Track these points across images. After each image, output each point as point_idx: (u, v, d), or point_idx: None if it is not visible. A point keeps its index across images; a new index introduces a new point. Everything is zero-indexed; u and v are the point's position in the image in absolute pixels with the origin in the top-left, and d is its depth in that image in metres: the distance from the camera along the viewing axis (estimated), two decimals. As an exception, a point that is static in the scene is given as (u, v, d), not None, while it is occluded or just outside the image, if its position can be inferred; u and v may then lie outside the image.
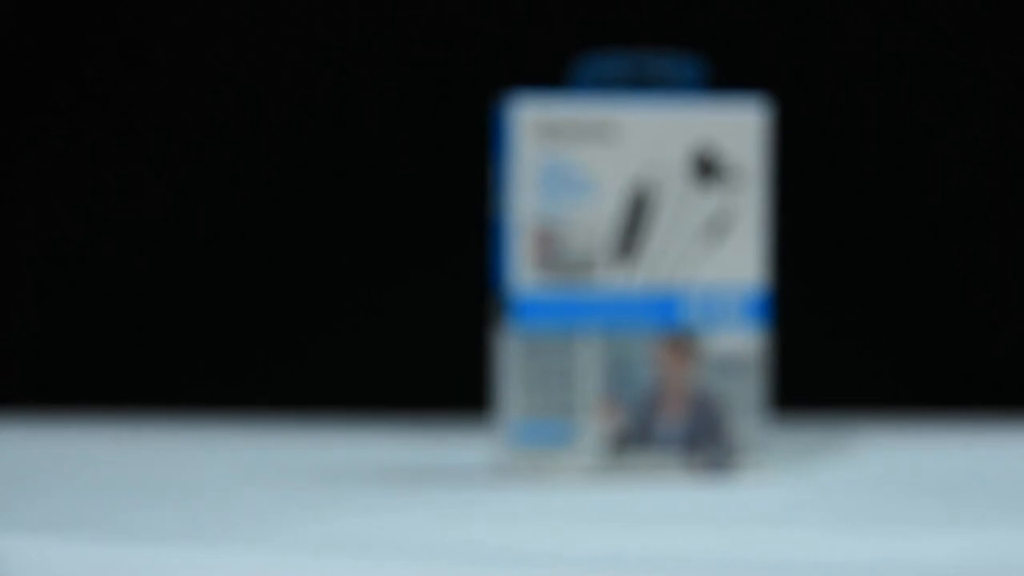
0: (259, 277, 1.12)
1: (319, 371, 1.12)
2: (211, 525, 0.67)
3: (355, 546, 0.62)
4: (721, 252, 0.78)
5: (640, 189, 0.77)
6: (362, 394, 1.10)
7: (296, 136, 1.13)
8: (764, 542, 0.64)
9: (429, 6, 1.12)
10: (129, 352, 1.12)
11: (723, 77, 0.84)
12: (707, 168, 0.78)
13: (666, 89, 0.79)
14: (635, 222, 0.77)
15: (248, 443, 0.94)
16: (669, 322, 0.77)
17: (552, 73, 0.84)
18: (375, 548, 0.61)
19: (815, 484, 0.78)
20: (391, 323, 1.12)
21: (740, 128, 0.78)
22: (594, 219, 0.77)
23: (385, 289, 1.12)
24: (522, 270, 0.76)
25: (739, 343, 0.78)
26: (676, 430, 0.78)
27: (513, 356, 0.76)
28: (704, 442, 0.77)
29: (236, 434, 0.97)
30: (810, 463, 0.83)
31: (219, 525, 0.67)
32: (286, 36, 1.13)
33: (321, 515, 0.70)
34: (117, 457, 0.90)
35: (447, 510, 0.71)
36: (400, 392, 1.10)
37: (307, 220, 1.13)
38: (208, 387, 1.11)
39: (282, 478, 0.79)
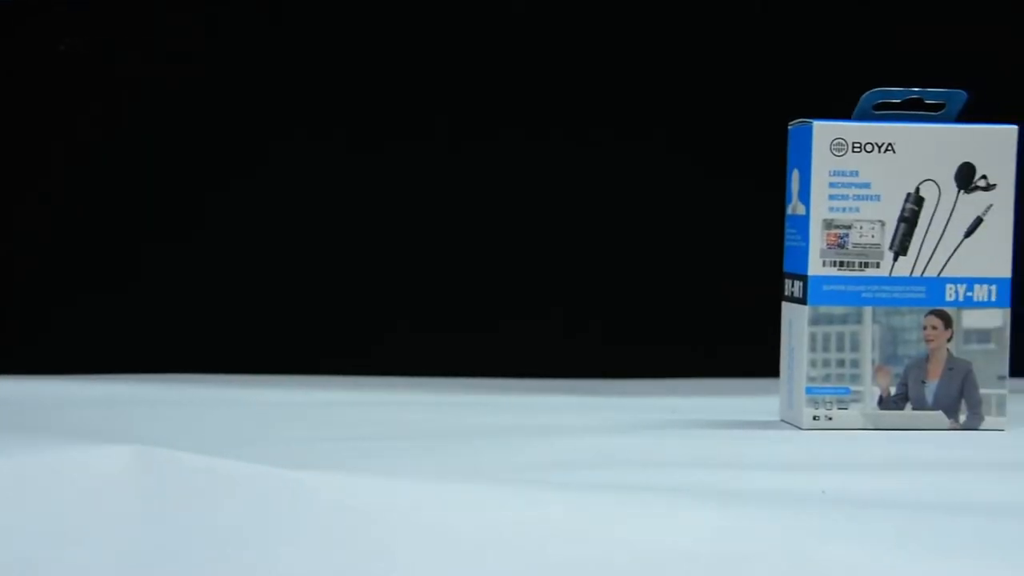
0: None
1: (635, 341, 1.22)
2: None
3: (674, 464, 0.77)
4: (977, 247, 0.91)
5: (915, 196, 0.91)
6: (675, 360, 1.21)
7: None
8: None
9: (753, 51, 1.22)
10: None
11: (981, 106, 0.96)
12: (968, 180, 0.92)
13: (936, 115, 0.93)
14: (911, 223, 0.91)
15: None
16: (935, 302, 0.91)
17: (845, 102, 0.95)
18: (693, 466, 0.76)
19: None
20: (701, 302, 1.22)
21: (996, 147, 0.91)
22: (877, 219, 0.91)
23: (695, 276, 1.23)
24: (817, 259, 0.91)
25: (988, 319, 0.92)
26: (938, 392, 0.92)
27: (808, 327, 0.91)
28: (959, 402, 0.92)
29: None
30: None
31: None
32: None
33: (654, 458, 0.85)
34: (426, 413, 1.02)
35: (741, 444, 0.85)
36: (708, 358, 1.21)
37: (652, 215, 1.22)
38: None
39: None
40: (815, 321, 0.90)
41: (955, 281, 0.91)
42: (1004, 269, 0.92)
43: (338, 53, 1.19)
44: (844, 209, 0.90)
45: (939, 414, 0.91)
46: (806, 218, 0.91)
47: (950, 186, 0.91)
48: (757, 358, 1.09)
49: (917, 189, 0.91)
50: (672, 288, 1.22)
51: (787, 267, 0.94)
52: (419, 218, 1.21)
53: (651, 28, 1.21)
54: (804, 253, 0.91)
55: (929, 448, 0.85)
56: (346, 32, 1.19)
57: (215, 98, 1.19)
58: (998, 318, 0.92)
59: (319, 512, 0.68)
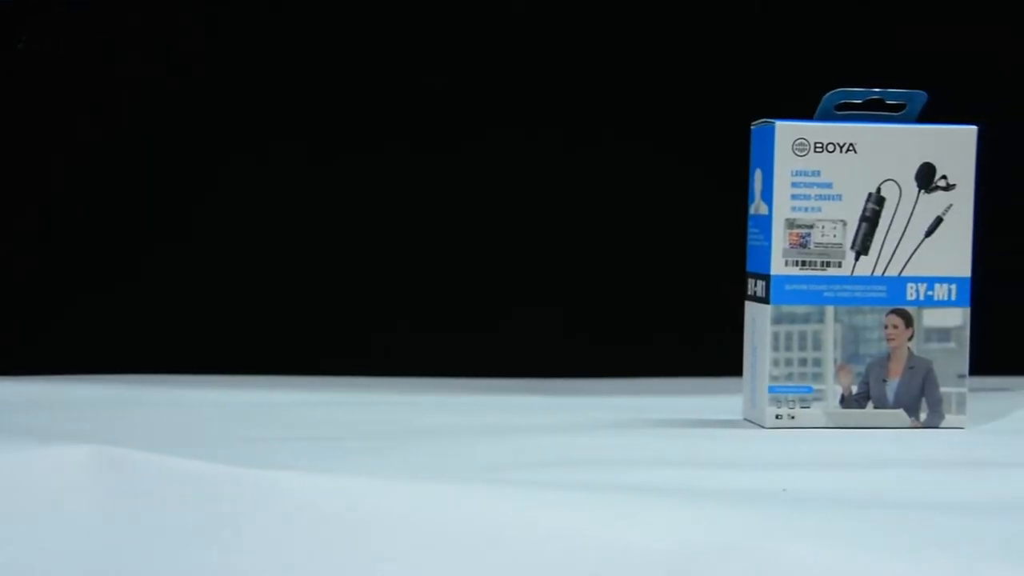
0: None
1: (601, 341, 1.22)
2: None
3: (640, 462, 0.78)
4: (937, 246, 0.92)
5: (876, 195, 0.92)
6: (640, 361, 1.21)
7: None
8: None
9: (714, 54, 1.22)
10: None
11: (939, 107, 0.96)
12: (929, 180, 0.92)
13: (897, 116, 0.93)
14: (873, 222, 0.92)
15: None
16: (896, 301, 0.92)
17: (806, 102, 0.95)
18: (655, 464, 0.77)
19: (1007, 437, 0.90)
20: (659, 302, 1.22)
21: (956, 147, 0.92)
22: (839, 219, 0.91)
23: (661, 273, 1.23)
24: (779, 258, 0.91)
25: (948, 317, 0.92)
26: (898, 390, 0.92)
27: (770, 326, 0.92)
28: (919, 400, 0.93)
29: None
30: (1001, 419, 0.97)
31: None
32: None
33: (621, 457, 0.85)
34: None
35: (705, 442, 0.86)
36: (668, 356, 1.21)
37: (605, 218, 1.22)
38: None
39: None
40: (778, 320, 0.91)
41: (916, 280, 0.92)
42: (964, 269, 0.92)
43: (336, 53, 1.19)
44: (806, 209, 0.91)
45: (900, 412, 0.92)
46: (768, 218, 0.91)
47: (911, 186, 0.91)
48: (721, 356, 1.11)
49: (878, 189, 0.91)
50: (637, 288, 1.23)
51: (750, 267, 0.95)
52: (415, 218, 1.21)
53: (641, 33, 1.22)
54: (767, 253, 0.91)
55: (890, 446, 0.86)
56: (346, 31, 1.19)
57: (214, 98, 1.19)
58: (958, 317, 0.92)
59: (276, 511, 0.68)
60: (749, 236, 0.95)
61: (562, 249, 1.22)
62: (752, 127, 0.94)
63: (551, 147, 1.21)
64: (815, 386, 0.91)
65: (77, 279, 1.18)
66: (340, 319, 1.20)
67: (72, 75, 1.17)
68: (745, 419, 0.95)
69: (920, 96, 0.93)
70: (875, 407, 0.92)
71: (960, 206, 0.92)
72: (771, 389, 0.91)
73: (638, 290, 1.22)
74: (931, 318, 0.92)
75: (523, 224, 1.22)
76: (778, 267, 0.91)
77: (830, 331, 0.91)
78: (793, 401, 0.92)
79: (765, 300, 0.92)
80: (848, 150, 0.91)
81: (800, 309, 0.91)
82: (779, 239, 0.91)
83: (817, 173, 0.91)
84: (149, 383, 1.08)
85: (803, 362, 0.91)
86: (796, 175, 0.91)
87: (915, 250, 0.92)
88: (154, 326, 1.19)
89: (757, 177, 0.93)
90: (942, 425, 0.92)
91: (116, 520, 0.70)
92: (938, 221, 0.92)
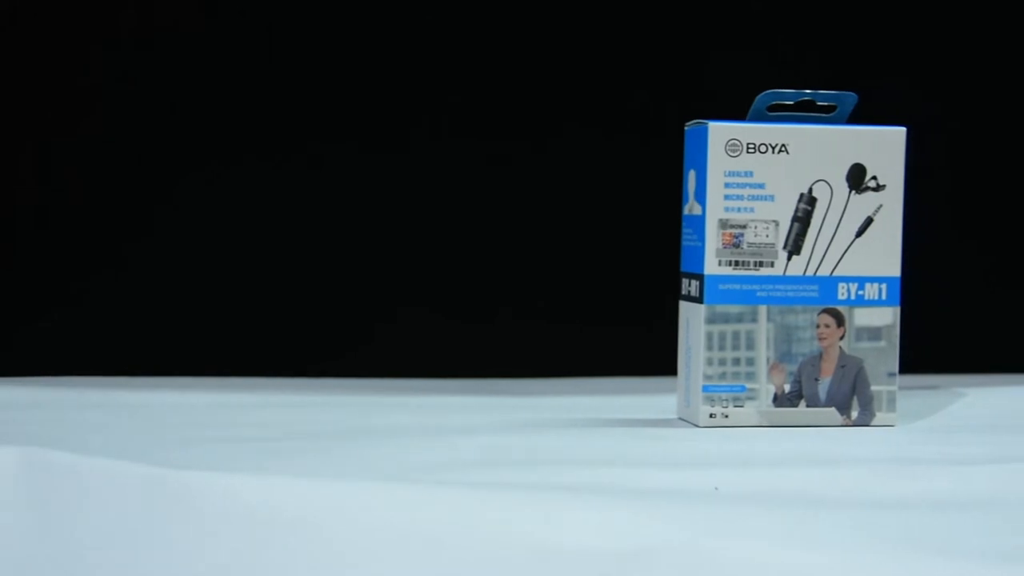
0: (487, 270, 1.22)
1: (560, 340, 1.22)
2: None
3: (580, 462, 0.78)
4: (868, 246, 0.93)
5: (808, 196, 0.92)
6: (575, 360, 1.22)
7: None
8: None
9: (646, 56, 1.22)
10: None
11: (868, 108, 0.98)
12: (859, 180, 0.93)
13: (828, 117, 0.94)
14: (805, 222, 0.93)
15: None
16: (828, 300, 0.93)
17: (739, 103, 0.97)
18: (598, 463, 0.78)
19: (936, 435, 0.91)
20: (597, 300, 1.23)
21: (886, 148, 0.93)
22: (771, 219, 0.92)
23: (595, 273, 1.23)
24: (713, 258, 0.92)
25: (879, 317, 0.93)
26: (830, 388, 0.93)
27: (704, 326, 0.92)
28: (851, 398, 0.94)
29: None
30: (931, 417, 0.98)
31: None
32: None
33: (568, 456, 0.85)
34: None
35: (639, 441, 0.86)
36: (601, 357, 1.22)
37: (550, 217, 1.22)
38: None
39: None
40: (711, 320, 0.92)
41: (847, 280, 0.93)
42: (894, 268, 0.93)
43: (329, 53, 1.19)
44: (739, 209, 0.91)
45: (832, 411, 0.93)
46: (702, 218, 0.92)
47: (842, 186, 0.92)
48: (656, 355, 1.11)
49: (810, 189, 0.92)
50: (571, 287, 1.23)
51: (684, 266, 0.95)
52: (402, 219, 1.21)
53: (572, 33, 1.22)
54: (700, 253, 0.92)
55: (821, 444, 0.87)
56: (335, 32, 1.19)
57: (212, 98, 1.18)
58: (888, 316, 0.93)
59: (204, 513, 0.68)
60: (683, 236, 0.95)
61: (485, 249, 1.23)
62: (686, 128, 0.95)
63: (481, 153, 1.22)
64: (748, 385, 0.92)
65: (57, 275, 1.18)
66: (323, 319, 1.21)
67: (50, 73, 1.16)
68: (679, 418, 0.95)
69: (850, 97, 0.94)
70: (807, 406, 0.93)
71: (890, 206, 0.93)
72: (705, 388, 0.92)
73: (572, 289, 1.23)
74: (862, 317, 0.93)
75: (506, 224, 1.23)
76: (711, 267, 0.92)
77: (763, 330, 0.92)
78: (727, 400, 0.92)
79: (699, 300, 0.92)
80: (780, 151, 0.92)
81: (733, 309, 0.92)
82: (712, 239, 0.91)
83: (750, 174, 0.92)
84: (93, 385, 1.07)
85: (736, 361, 0.92)
86: (729, 176, 0.91)
87: (846, 250, 0.93)
88: (137, 326, 1.19)
89: (691, 178, 0.94)
90: (873, 423, 0.93)
91: (40, 523, 0.69)
92: (868, 221, 0.93)
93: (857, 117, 0.95)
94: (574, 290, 1.23)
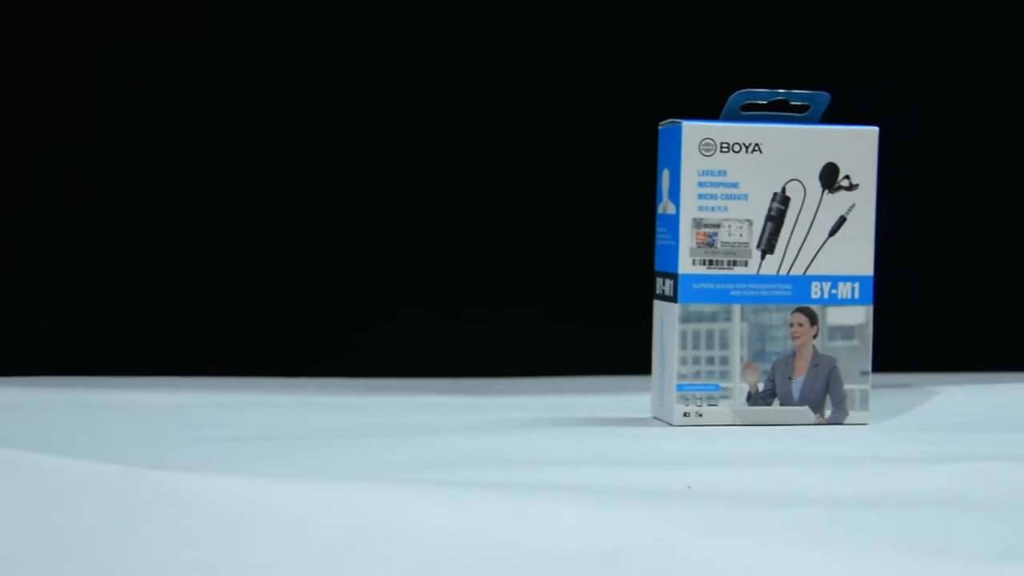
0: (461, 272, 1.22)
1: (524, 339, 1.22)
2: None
3: (559, 460, 0.78)
4: (841, 245, 0.93)
5: (781, 195, 0.93)
6: (552, 358, 1.22)
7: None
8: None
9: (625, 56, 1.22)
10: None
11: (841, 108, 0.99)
12: (832, 180, 0.94)
13: (801, 116, 0.94)
14: (778, 222, 0.93)
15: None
16: (801, 299, 0.93)
17: (713, 103, 0.97)
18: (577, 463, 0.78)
19: (909, 433, 0.92)
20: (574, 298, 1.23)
21: (859, 147, 0.93)
22: (745, 218, 0.92)
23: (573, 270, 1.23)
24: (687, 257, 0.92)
25: (852, 315, 0.94)
26: (803, 387, 0.94)
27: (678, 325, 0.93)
28: (824, 397, 0.94)
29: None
30: (903, 415, 0.98)
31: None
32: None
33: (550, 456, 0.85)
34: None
35: (613, 440, 0.86)
36: (577, 355, 1.22)
37: (529, 218, 1.22)
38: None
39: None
40: (685, 319, 0.92)
41: (820, 279, 0.93)
42: (867, 267, 0.94)
43: (323, 53, 1.19)
44: (713, 208, 0.92)
45: (805, 409, 0.93)
46: (676, 217, 0.92)
47: (815, 186, 0.93)
48: (631, 354, 1.11)
49: (783, 189, 0.92)
50: (546, 285, 1.23)
51: (658, 266, 0.95)
52: (394, 221, 1.21)
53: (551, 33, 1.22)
54: (674, 252, 0.92)
55: (794, 443, 0.87)
56: (334, 32, 1.19)
57: (208, 98, 1.18)
58: (861, 315, 0.94)
59: (172, 513, 0.68)
60: (657, 235, 0.95)
61: (485, 249, 1.23)
62: (660, 127, 0.95)
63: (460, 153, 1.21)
64: (722, 384, 0.92)
65: (55, 279, 1.18)
66: (323, 319, 1.21)
67: (46, 74, 1.16)
68: (654, 417, 0.96)
69: (823, 97, 0.94)
70: (781, 404, 0.93)
71: (863, 206, 0.93)
72: (679, 387, 0.92)
73: (572, 289, 1.23)
74: (835, 316, 0.93)
75: (495, 223, 1.23)
76: (685, 266, 0.92)
77: (737, 329, 0.92)
78: (701, 399, 0.92)
79: (673, 299, 0.92)
80: (754, 150, 0.92)
81: (707, 308, 0.92)
82: (686, 238, 0.92)
83: (724, 173, 0.92)
84: (93, 385, 1.07)
85: (710, 360, 0.92)
86: (703, 175, 0.92)
87: (819, 249, 0.93)
88: (118, 328, 1.18)
89: (665, 177, 0.94)
90: (846, 421, 0.94)
91: (10, 521, 0.69)
92: (841, 220, 0.93)
93: (836, 117, 0.95)
94: (574, 290, 1.23)
